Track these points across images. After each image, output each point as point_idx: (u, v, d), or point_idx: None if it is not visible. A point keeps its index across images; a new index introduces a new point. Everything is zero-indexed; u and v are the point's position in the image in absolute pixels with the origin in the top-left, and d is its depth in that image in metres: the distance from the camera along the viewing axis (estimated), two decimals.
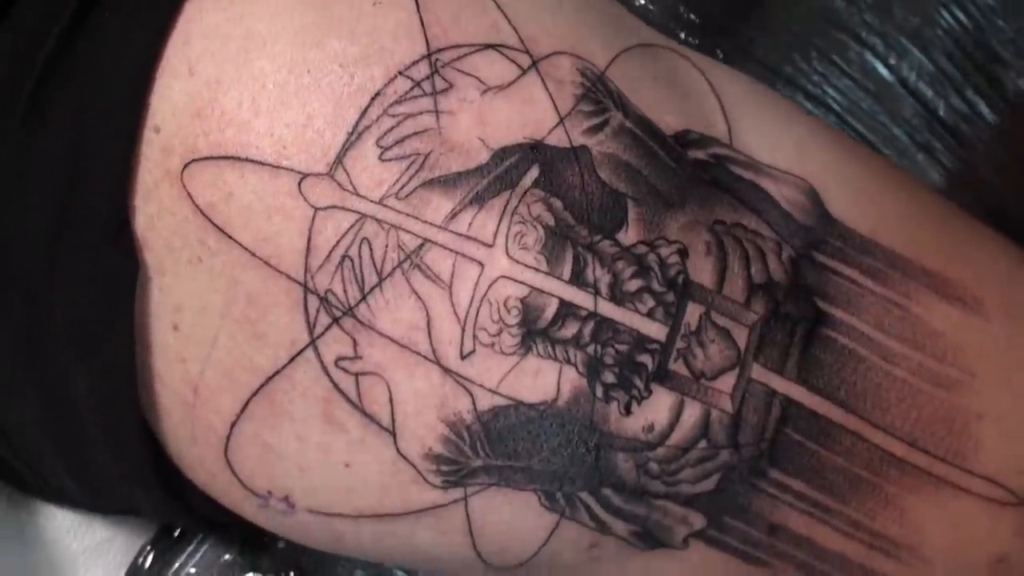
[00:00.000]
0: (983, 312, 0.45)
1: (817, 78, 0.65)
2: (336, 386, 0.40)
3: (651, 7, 0.66)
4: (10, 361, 0.44)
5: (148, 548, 0.61)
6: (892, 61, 0.64)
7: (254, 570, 0.61)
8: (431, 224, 0.39)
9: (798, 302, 0.43)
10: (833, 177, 0.45)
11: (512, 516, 0.42)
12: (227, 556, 0.61)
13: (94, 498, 0.53)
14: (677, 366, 0.41)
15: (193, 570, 0.60)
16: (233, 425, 0.42)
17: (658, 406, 0.41)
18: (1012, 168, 0.63)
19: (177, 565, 0.60)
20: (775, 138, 0.45)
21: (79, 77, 0.41)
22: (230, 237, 0.40)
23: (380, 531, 0.43)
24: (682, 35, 0.65)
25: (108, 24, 0.41)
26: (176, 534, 0.62)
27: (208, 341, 0.41)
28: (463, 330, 0.40)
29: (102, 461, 0.46)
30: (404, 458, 0.41)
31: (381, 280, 0.39)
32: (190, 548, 0.62)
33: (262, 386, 0.41)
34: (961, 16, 0.64)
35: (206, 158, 0.40)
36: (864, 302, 0.44)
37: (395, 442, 0.41)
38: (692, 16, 0.66)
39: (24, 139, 0.41)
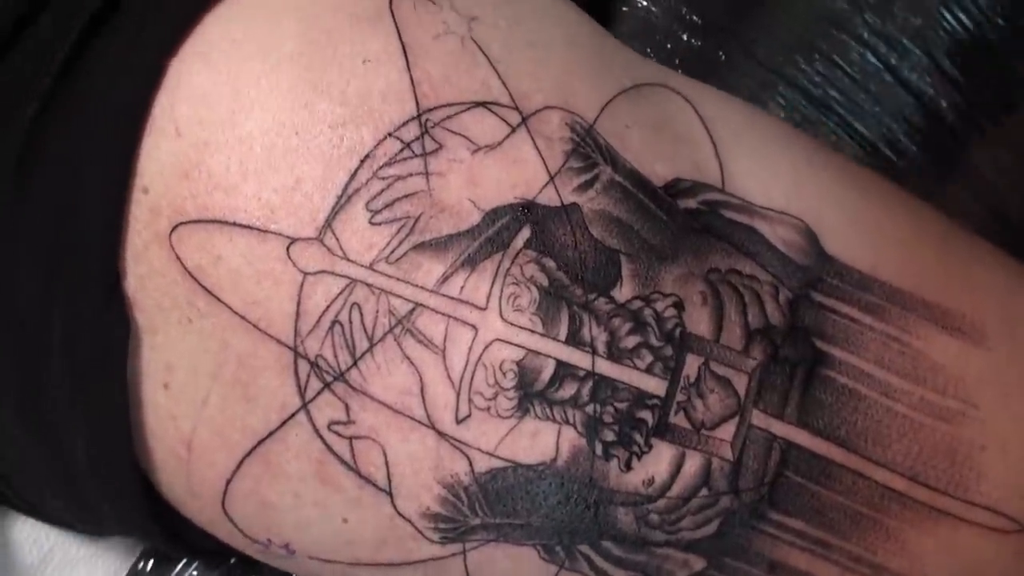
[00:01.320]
0: (983, 340, 0.45)
1: (819, 79, 0.64)
2: (330, 448, 0.40)
3: (653, 8, 0.65)
4: (9, 412, 0.44)
5: (148, 552, 0.61)
6: (893, 62, 0.63)
7: (256, 574, 0.61)
8: (422, 288, 0.39)
9: (797, 344, 0.42)
10: (830, 212, 0.45)
11: (511, 569, 0.42)
12: (230, 560, 0.61)
13: (94, 527, 0.53)
14: (677, 419, 0.41)
15: (195, 573, 0.60)
16: (228, 482, 0.42)
17: (658, 460, 0.41)
18: (1013, 169, 0.63)
19: (179, 568, 0.60)
20: (770, 175, 0.44)
21: (66, 137, 0.40)
22: (219, 300, 0.39)
23: None
24: (684, 36, 0.65)
25: (93, 84, 0.40)
26: None
27: (199, 400, 0.41)
28: (458, 394, 0.39)
29: (102, 508, 0.45)
30: (402, 516, 0.41)
31: (372, 345, 0.39)
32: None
33: (255, 447, 0.41)
34: (963, 16, 0.63)
35: (194, 221, 0.39)
36: (863, 339, 0.43)
37: (392, 501, 0.40)
38: (694, 17, 0.65)
39: (13, 200, 0.41)
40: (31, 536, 0.57)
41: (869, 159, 0.61)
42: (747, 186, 0.44)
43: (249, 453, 0.41)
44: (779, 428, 0.42)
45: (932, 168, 0.63)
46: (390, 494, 0.40)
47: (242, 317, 0.39)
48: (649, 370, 0.40)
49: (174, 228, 0.39)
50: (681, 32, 0.65)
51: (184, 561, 0.60)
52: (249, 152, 0.39)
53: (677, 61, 0.65)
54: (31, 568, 0.57)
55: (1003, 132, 0.63)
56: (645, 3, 0.65)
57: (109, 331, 0.41)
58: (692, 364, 0.41)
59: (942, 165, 0.63)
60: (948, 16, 0.62)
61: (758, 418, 0.42)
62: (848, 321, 0.43)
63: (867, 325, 0.44)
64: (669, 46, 0.65)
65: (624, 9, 0.65)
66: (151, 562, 0.60)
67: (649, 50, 0.65)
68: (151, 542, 0.53)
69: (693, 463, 0.41)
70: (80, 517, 0.49)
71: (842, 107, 0.64)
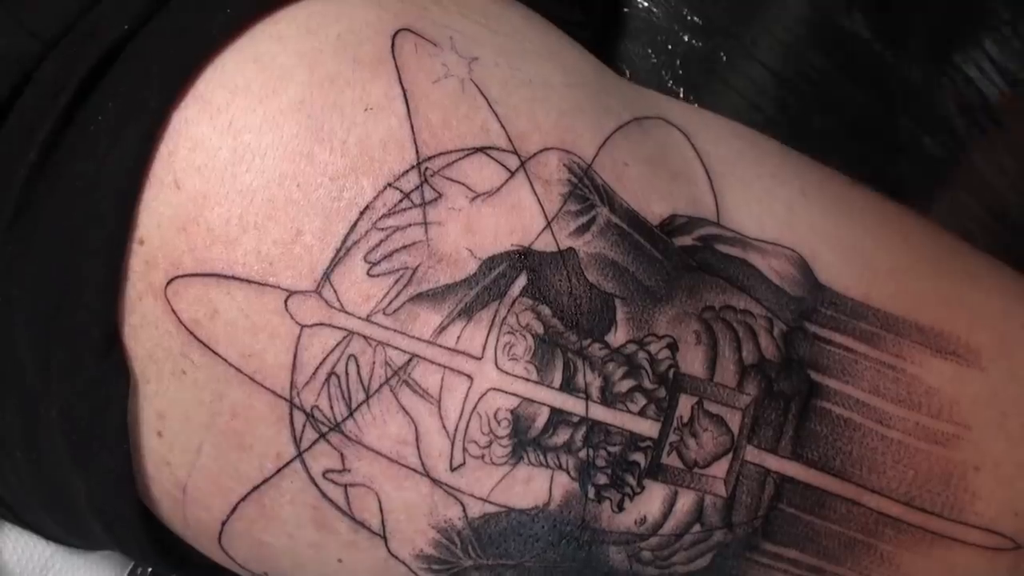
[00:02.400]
0: (978, 361, 0.45)
1: (817, 78, 0.64)
2: (325, 495, 0.40)
3: (655, 10, 0.65)
4: (11, 447, 0.44)
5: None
6: (893, 61, 0.63)
7: None
8: (419, 339, 0.39)
9: (791, 377, 0.42)
10: (824, 240, 0.45)
11: None
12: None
13: (92, 549, 0.54)
14: (670, 459, 0.41)
15: None
16: (224, 523, 0.42)
17: (651, 499, 0.41)
18: (1012, 168, 0.62)
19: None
20: (763, 206, 0.44)
21: (65, 186, 0.40)
22: (215, 353, 0.39)
23: None
24: (686, 37, 0.64)
25: (93, 133, 0.40)
26: None
27: (193, 449, 0.41)
28: (452, 443, 0.39)
29: (103, 540, 0.46)
30: (395, 558, 0.41)
31: (368, 397, 0.39)
32: None
33: (249, 493, 0.41)
34: (964, 16, 0.62)
35: (191, 275, 0.39)
36: (858, 368, 0.43)
37: (386, 544, 0.41)
38: (695, 19, 0.65)
39: (10, 251, 0.41)
40: (30, 543, 0.57)
41: (869, 160, 0.61)
42: (741, 218, 0.44)
43: (244, 498, 0.41)
44: (773, 462, 0.42)
45: (933, 168, 0.63)
46: (384, 538, 0.41)
47: (237, 369, 0.39)
48: (642, 413, 0.41)
49: (170, 281, 0.39)
50: (682, 33, 0.64)
51: None
52: (249, 205, 0.39)
53: (678, 62, 0.64)
54: (32, 573, 0.57)
55: (1003, 132, 0.62)
56: (646, 4, 0.64)
57: (108, 382, 0.41)
58: (685, 404, 0.41)
59: (943, 165, 0.63)
60: (948, 15, 0.62)
61: (752, 454, 0.42)
62: (843, 351, 0.43)
63: (862, 354, 0.44)
64: (670, 47, 0.64)
65: (625, 10, 0.64)
66: (149, 568, 0.60)
67: (650, 51, 0.65)
68: (154, 569, 0.54)
69: (686, 501, 0.41)
70: (79, 539, 0.50)
71: (841, 106, 0.64)
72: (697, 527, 0.41)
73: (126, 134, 0.39)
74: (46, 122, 0.40)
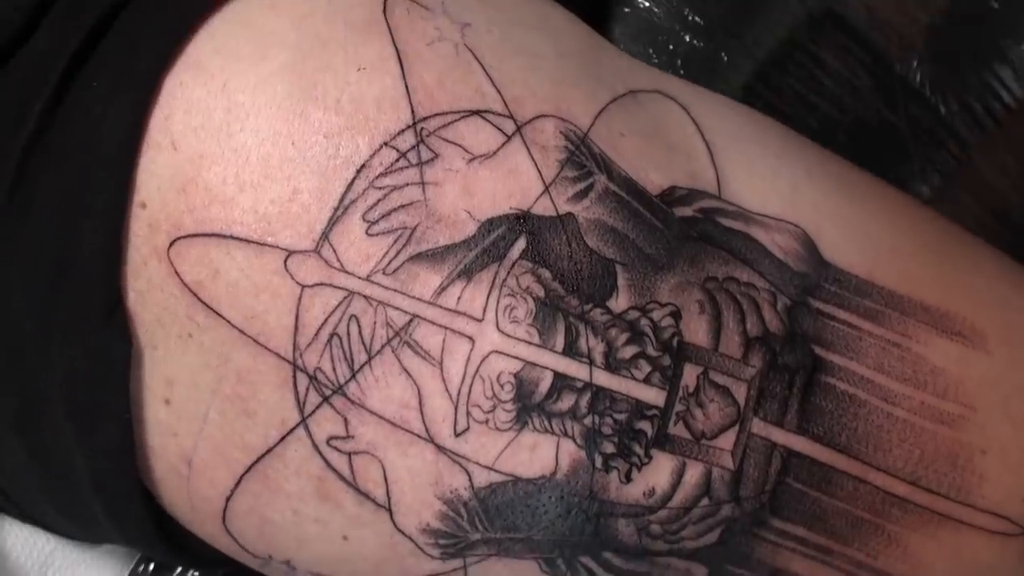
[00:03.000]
0: (983, 343, 0.45)
1: (819, 74, 0.64)
2: (329, 464, 0.40)
3: (656, 10, 0.65)
4: (8, 432, 0.43)
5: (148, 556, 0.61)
6: (894, 62, 0.63)
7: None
8: (419, 300, 0.39)
9: (796, 351, 0.42)
10: (827, 218, 0.44)
11: None
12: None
13: (94, 537, 0.53)
14: (677, 429, 0.41)
15: (196, 574, 0.61)
16: (228, 499, 0.42)
17: (659, 470, 0.41)
18: (1014, 169, 0.62)
19: (180, 569, 0.61)
20: (767, 182, 0.44)
21: (63, 154, 0.40)
22: (218, 314, 0.39)
23: None
24: (687, 37, 0.65)
25: (89, 101, 0.40)
26: None
27: (199, 416, 0.40)
28: (456, 407, 0.39)
29: (103, 524, 0.45)
30: (401, 532, 0.41)
31: (370, 358, 0.39)
32: None
33: (254, 464, 0.40)
34: (964, 16, 0.62)
35: (192, 235, 0.39)
36: (863, 345, 0.43)
37: (391, 517, 0.40)
38: (696, 18, 0.65)
39: (11, 219, 0.40)
40: (31, 539, 0.57)
41: (869, 158, 0.61)
42: (743, 193, 0.44)
43: (248, 470, 0.41)
44: (779, 436, 0.42)
45: (933, 168, 0.63)
46: (389, 510, 0.40)
47: (241, 331, 0.39)
48: (647, 380, 0.40)
49: (172, 243, 0.39)
50: (683, 33, 0.65)
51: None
52: (245, 164, 0.39)
53: (679, 62, 0.65)
54: (31, 571, 0.57)
55: (1002, 129, 0.63)
56: (647, 4, 0.65)
57: (110, 348, 0.40)
58: (691, 373, 0.41)
59: (943, 165, 0.63)
60: (949, 15, 0.62)
61: (758, 426, 0.42)
62: (847, 327, 0.43)
63: (866, 331, 0.43)
64: (671, 47, 0.65)
65: (626, 10, 0.65)
66: (151, 565, 0.60)
67: (651, 51, 0.65)
68: (153, 555, 0.53)
69: (694, 473, 0.41)
70: (80, 528, 0.49)
71: (841, 104, 0.64)
72: (705, 500, 0.41)
73: (120, 100, 0.40)
74: (43, 91, 0.40)
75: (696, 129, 0.44)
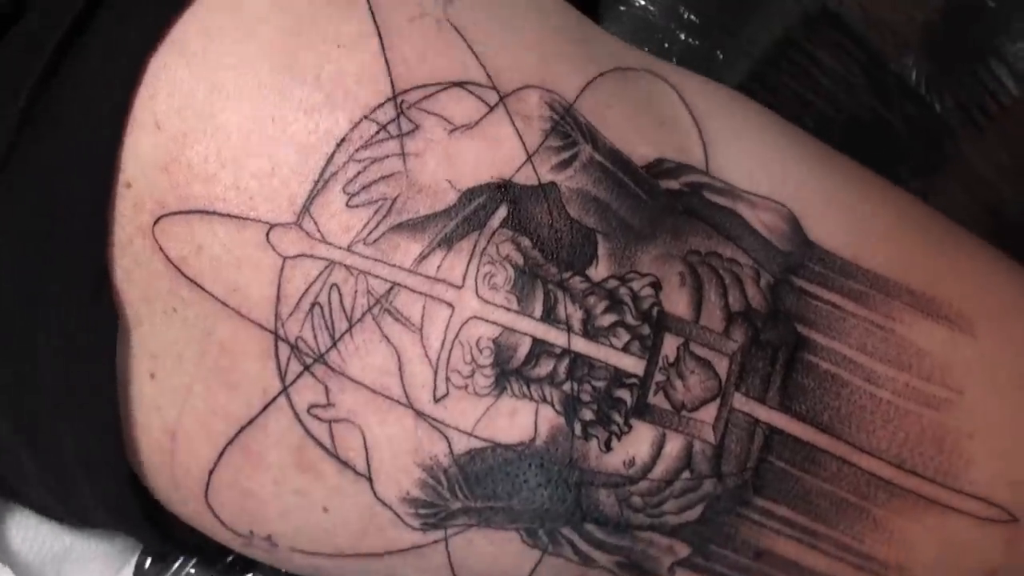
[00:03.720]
0: (970, 329, 0.45)
1: (814, 71, 0.65)
2: (309, 433, 0.40)
3: (651, 8, 0.65)
4: None
5: (147, 551, 0.61)
6: (889, 60, 0.63)
7: (255, 570, 0.61)
8: (400, 268, 0.39)
9: (778, 329, 0.42)
10: (813, 199, 0.44)
11: (494, 554, 0.42)
12: (227, 559, 0.61)
13: (81, 522, 0.53)
14: (657, 399, 0.41)
15: (193, 571, 0.61)
16: (211, 472, 0.42)
17: (639, 440, 0.41)
18: (1009, 165, 0.62)
19: (176, 566, 0.61)
20: (754, 160, 0.44)
21: (51, 136, 0.41)
22: (202, 288, 0.40)
23: (362, 568, 0.44)
24: (682, 36, 0.65)
25: (77, 83, 0.41)
26: None
27: (183, 389, 0.41)
28: (435, 373, 0.39)
29: (90, 504, 0.46)
30: (382, 502, 0.41)
31: (351, 326, 0.39)
32: None
33: (236, 435, 0.41)
34: (959, 13, 0.63)
35: (175, 212, 0.40)
36: (846, 325, 0.43)
37: (372, 487, 0.40)
38: (692, 17, 0.65)
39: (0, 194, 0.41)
40: (42, 530, 0.57)
41: (865, 155, 0.61)
42: (731, 170, 0.44)
43: (231, 442, 0.41)
44: (762, 412, 0.42)
45: (926, 162, 0.63)
46: (370, 479, 0.40)
47: (223, 304, 0.40)
48: (626, 349, 0.40)
49: (157, 220, 0.40)
50: (679, 31, 0.65)
51: (182, 560, 0.60)
52: (226, 141, 0.39)
53: (674, 60, 0.65)
54: (23, 569, 0.57)
55: (996, 126, 0.63)
56: (643, 2, 0.65)
57: (97, 325, 0.41)
58: (671, 344, 0.41)
59: (936, 159, 0.63)
60: (945, 13, 0.63)
61: (740, 402, 0.42)
62: (830, 307, 0.43)
63: (850, 312, 0.43)
64: (667, 45, 0.65)
65: (622, 8, 0.65)
66: (148, 559, 0.60)
67: (647, 49, 0.65)
68: (138, 538, 0.53)
69: (674, 445, 0.41)
70: (68, 510, 0.50)
71: (837, 104, 0.64)
72: (686, 474, 0.41)
73: (108, 83, 0.40)
74: (34, 70, 0.41)
75: (685, 107, 0.45)
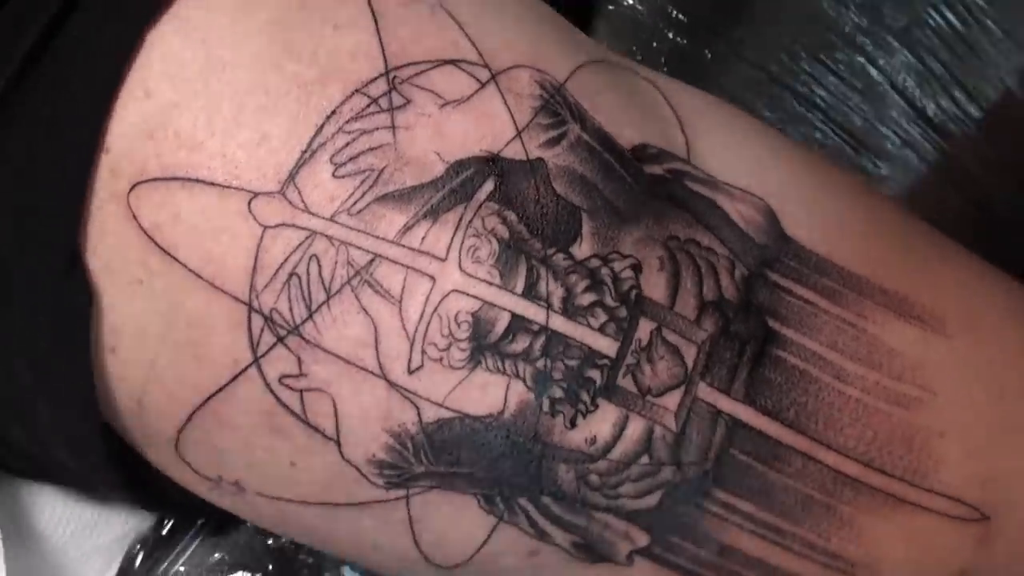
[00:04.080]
0: (943, 329, 0.45)
1: (805, 77, 0.65)
2: (280, 401, 0.40)
3: (639, 7, 0.66)
4: None
5: (138, 547, 0.61)
6: (880, 61, 0.64)
7: (243, 568, 0.61)
8: (382, 239, 0.39)
9: (748, 321, 0.43)
10: (791, 196, 0.45)
11: (451, 516, 0.43)
12: (216, 555, 0.61)
13: (59, 480, 0.53)
14: (625, 382, 0.41)
15: (183, 568, 0.61)
16: (180, 432, 0.42)
17: (602, 420, 0.41)
18: (997, 165, 0.63)
19: (166, 564, 0.61)
20: (733, 155, 0.45)
21: (41, 102, 0.41)
22: (174, 258, 0.40)
23: (325, 515, 0.44)
24: (671, 35, 0.65)
25: (70, 53, 0.41)
26: (165, 532, 0.63)
27: (146, 363, 0.41)
28: (411, 345, 0.40)
29: (68, 465, 0.46)
30: (348, 462, 0.41)
31: (329, 297, 0.39)
32: (179, 547, 0.62)
33: (204, 403, 0.41)
34: (950, 16, 0.63)
35: (155, 179, 0.40)
36: (817, 322, 0.44)
37: (339, 449, 0.41)
38: (681, 16, 0.66)
39: None
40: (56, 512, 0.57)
41: (856, 155, 0.61)
42: (711, 162, 0.44)
43: (198, 408, 0.41)
44: (725, 403, 0.42)
45: (919, 163, 0.63)
46: (338, 443, 0.41)
47: (197, 275, 0.40)
48: (602, 330, 0.41)
49: (133, 187, 0.40)
50: (667, 30, 0.65)
51: (172, 557, 0.60)
52: (217, 111, 0.39)
53: (663, 59, 0.65)
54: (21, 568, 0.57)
55: (989, 130, 0.63)
56: (631, 1, 0.65)
57: (68, 301, 0.41)
58: (644, 328, 0.41)
59: (928, 160, 0.63)
60: (935, 15, 0.63)
61: (704, 391, 0.42)
62: (802, 303, 0.44)
63: (822, 308, 0.44)
64: (655, 44, 0.65)
65: (610, 8, 0.65)
66: (140, 556, 0.61)
67: (635, 48, 0.65)
68: (118, 497, 0.53)
69: (636, 428, 0.41)
70: (46, 471, 0.50)
71: (828, 104, 0.64)
72: (645, 458, 0.41)
73: (103, 51, 0.40)
74: (28, 36, 0.41)
75: (667, 104, 0.45)
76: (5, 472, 0.54)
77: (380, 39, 0.41)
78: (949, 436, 0.44)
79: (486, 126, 0.40)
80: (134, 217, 0.40)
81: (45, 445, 0.45)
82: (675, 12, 0.65)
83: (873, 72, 0.65)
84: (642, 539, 0.43)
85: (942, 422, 0.44)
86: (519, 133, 0.41)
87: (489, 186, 0.40)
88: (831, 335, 0.44)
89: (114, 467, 0.45)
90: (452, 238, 0.40)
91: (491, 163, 0.40)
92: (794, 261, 0.44)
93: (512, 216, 0.40)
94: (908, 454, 0.44)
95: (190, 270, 0.40)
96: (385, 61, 0.40)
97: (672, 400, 0.42)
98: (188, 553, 0.61)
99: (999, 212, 0.64)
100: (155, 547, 0.61)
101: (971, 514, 0.45)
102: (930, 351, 0.45)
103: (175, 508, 0.58)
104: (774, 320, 0.43)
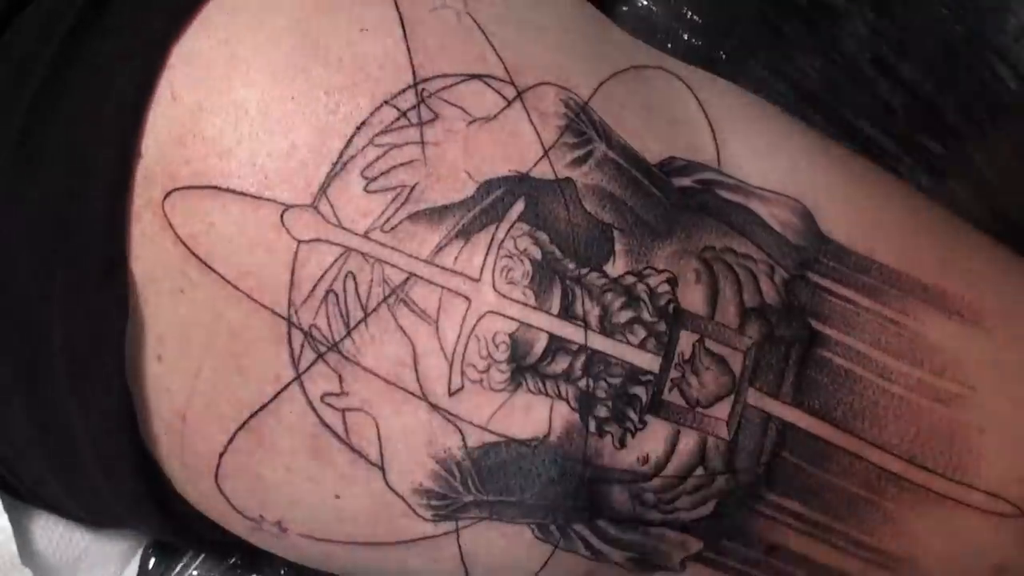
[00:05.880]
0: (982, 323, 0.45)
1: (817, 76, 0.65)
2: (323, 421, 0.40)
3: (654, 8, 0.65)
4: (8, 393, 0.43)
5: (150, 551, 0.61)
6: (893, 61, 0.63)
7: (257, 572, 0.61)
8: (416, 258, 0.39)
9: (792, 324, 0.42)
10: (826, 195, 0.44)
11: (505, 548, 0.42)
12: (229, 560, 0.61)
13: (92, 515, 0.52)
14: (672, 396, 0.41)
15: (195, 573, 0.61)
16: (221, 456, 0.41)
17: (653, 437, 0.41)
18: (1012, 167, 0.63)
19: (179, 568, 0.60)
20: (766, 157, 0.44)
21: (71, 111, 0.40)
22: (212, 269, 0.39)
23: (372, 556, 0.43)
24: (685, 36, 0.65)
25: (98, 57, 0.40)
26: None
27: (192, 372, 0.40)
28: (451, 366, 0.39)
29: (100, 490, 0.45)
30: (394, 492, 0.40)
31: (366, 315, 0.39)
32: (192, 552, 0.62)
33: (247, 420, 0.40)
34: (963, 15, 0.63)
35: (188, 187, 0.39)
36: (860, 320, 0.43)
37: (384, 476, 0.40)
38: (695, 16, 0.65)
39: (15, 174, 0.40)
40: (65, 531, 0.56)
41: (868, 156, 0.61)
42: (743, 167, 0.44)
43: (241, 426, 0.40)
44: (775, 408, 0.42)
45: (931, 165, 0.63)
46: (382, 468, 0.40)
47: (235, 287, 0.39)
48: (642, 346, 0.40)
49: (167, 195, 0.39)
50: (682, 31, 0.65)
51: (186, 561, 0.60)
52: (244, 116, 0.39)
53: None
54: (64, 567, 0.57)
55: (1003, 131, 0.63)
56: (646, 2, 0.65)
57: (110, 310, 0.40)
58: (686, 341, 0.41)
59: (941, 162, 0.63)
60: (948, 15, 0.63)
61: (753, 397, 0.42)
62: (844, 302, 0.43)
63: (864, 307, 0.43)
64: (670, 45, 0.65)
65: (624, 8, 0.65)
66: (152, 560, 0.60)
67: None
68: (149, 529, 0.53)
69: (688, 441, 0.41)
70: (79, 503, 0.49)
71: (841, 104, 0.64)
72: (700, 470, 0.41)
73: (131, 60, 0.40)
74: (51, 45, 0.40)
75: (698, 104, 0.45)
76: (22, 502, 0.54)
77: (408, 46, 0.40)
78: (988, 432, 0.44)
79: (513, 146, 0.40)
80: (171, 226, 0.39)
81: (75, 469, 0.44)
82: (689, 13, 0.64)
83: (886, 72, 0.65)
84: (696, 545, 0.43)
85: (982, 418, 0.44)
86: (547, 152, 0.40)
87: (520, 206, 0.40)
88: (874, 333, 0.43)
89: (145, 481, 0.44)
90: (485, 259, 0.39)
91: (521, 183, 0.40)
92: (833, 261, 0.43)
93: (544, 237, 0.40)
94: (949, 450, 0.43)
95: (228, 282, 0.39)
96: (413, 72, 0.40)
97: (722, 409, 0.41)
98: (201, 557, 0.61)
99: (1013, 216, 0.63)
100: (169, 551, 0.61)
101: (1010, 510, 0.44)
102: (970, 346, 0.45)
103: (207, 544, 0.57)
104: (817, 321, 0.43)
